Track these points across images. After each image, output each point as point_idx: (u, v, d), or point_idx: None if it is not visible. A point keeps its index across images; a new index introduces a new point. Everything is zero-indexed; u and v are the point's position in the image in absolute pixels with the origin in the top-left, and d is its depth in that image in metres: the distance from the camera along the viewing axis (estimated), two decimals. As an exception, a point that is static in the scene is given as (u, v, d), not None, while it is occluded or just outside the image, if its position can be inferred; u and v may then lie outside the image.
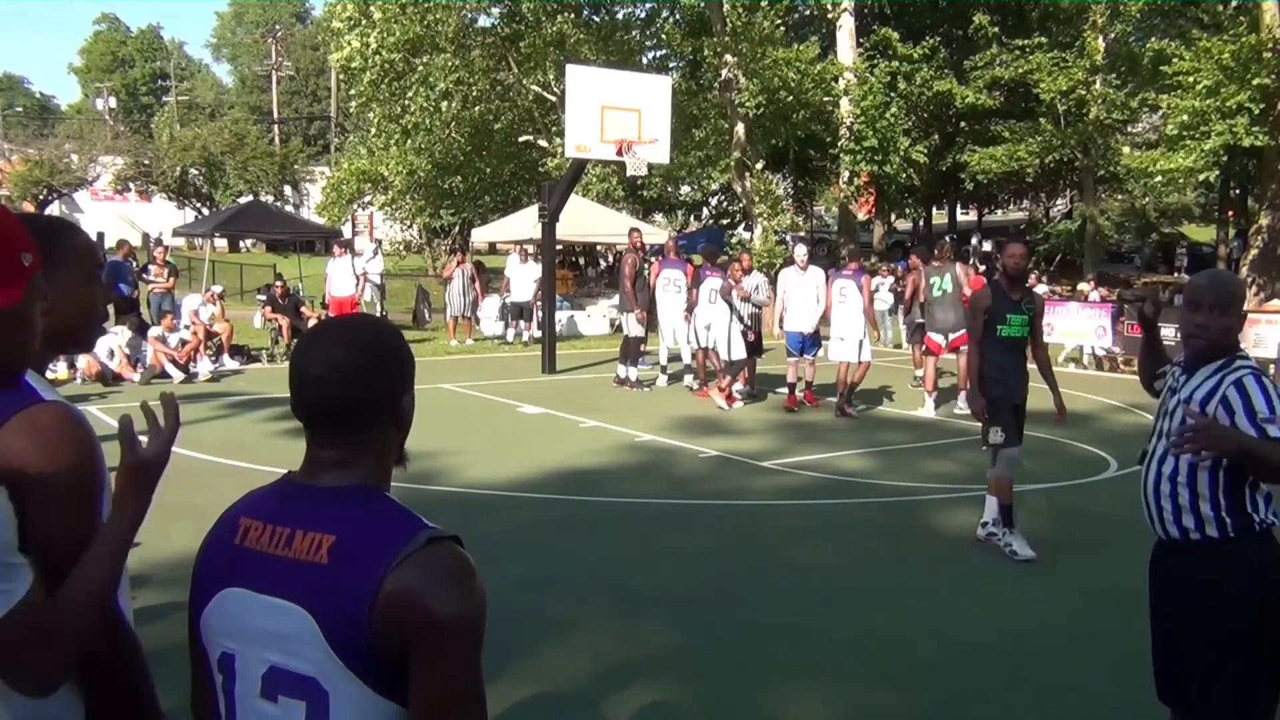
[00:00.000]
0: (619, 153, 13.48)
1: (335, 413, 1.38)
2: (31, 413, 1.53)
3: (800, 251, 11.35)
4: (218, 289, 14.96)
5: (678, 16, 25.35)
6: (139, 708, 1.64)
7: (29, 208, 39.00)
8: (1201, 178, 20.71)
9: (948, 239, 12.73)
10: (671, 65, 26.17)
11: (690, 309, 12.35)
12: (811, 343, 11.08)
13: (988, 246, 32.05)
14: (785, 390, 11.25)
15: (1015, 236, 37.04)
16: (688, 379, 12.87)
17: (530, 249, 18.22)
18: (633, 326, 12.71)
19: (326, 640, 1.30)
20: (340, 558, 1.32)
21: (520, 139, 24.34)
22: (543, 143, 23.77)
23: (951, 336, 10.80)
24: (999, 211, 51.41)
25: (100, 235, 38.05)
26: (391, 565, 1.29)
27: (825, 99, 23.45)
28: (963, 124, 29.34)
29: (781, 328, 11.30)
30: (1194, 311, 2.84)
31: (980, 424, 6.32)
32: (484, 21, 23.80)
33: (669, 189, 30.15)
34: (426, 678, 1.30)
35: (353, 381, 1.37)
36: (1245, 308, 2.93)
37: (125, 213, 46.63)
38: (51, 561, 1.51)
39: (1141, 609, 3.05)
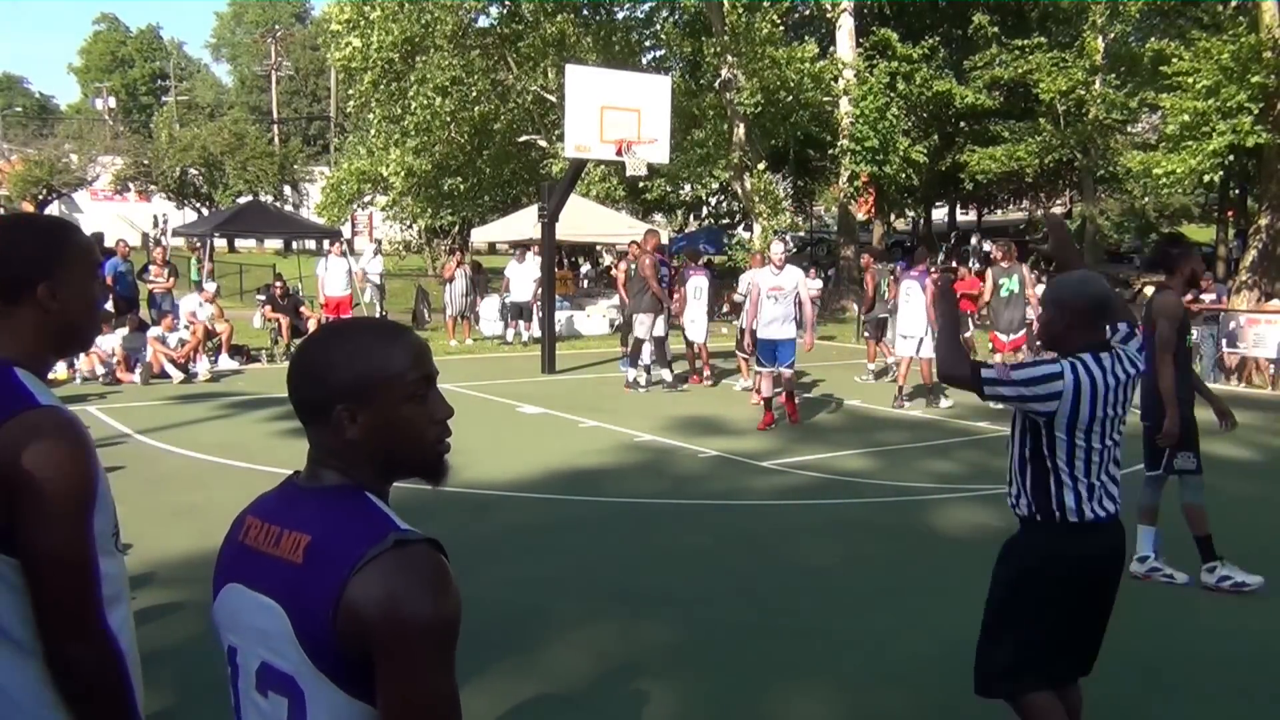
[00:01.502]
0: (618, 153, 13.49)
1: (299, 413, 1.41)
2: (27, 417, 1.53)
3: (777, 249, 10.39)
4: (211, 287, 14.94)
5: (677, 17, 25.35)
6: None
7: (28, 207, 38.99)
8: (1206, 179, 20.71)
9: (1012, 242, 12.87)
10: (670, 65, 26.17)
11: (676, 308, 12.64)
12: (786, 352, 9.95)
13: (987, 246, 32.09)
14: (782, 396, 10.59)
15: (1014, 236, 37.11)
16: (667, 376, 12.90)
17: (532, 249, 18.20)
18: (660, 327, 12.62)
19: (299, 641, 1.31)
20: (312, 558, 1.32)
21: (520, 139, 24.33)
22: (543, 143, 23.77)
23: (1013, 336, 11.09)
24: (999, 212, 51.44)
25: (99, 235, 37.97)
26: (355, 567, 1.28)
27: (825, 99, 23.45)
28: (962, 124, 29.35)
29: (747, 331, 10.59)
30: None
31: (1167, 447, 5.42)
32: (483, 22, 23.82)
33: (669, 189, 30.15)
34: (389, 683, 1.28)
35: (298, 385, 1.40)
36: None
37: (125, 213, 46.64)
38: (38, 568, 1.51)
39: (1138, 607, 3.05)
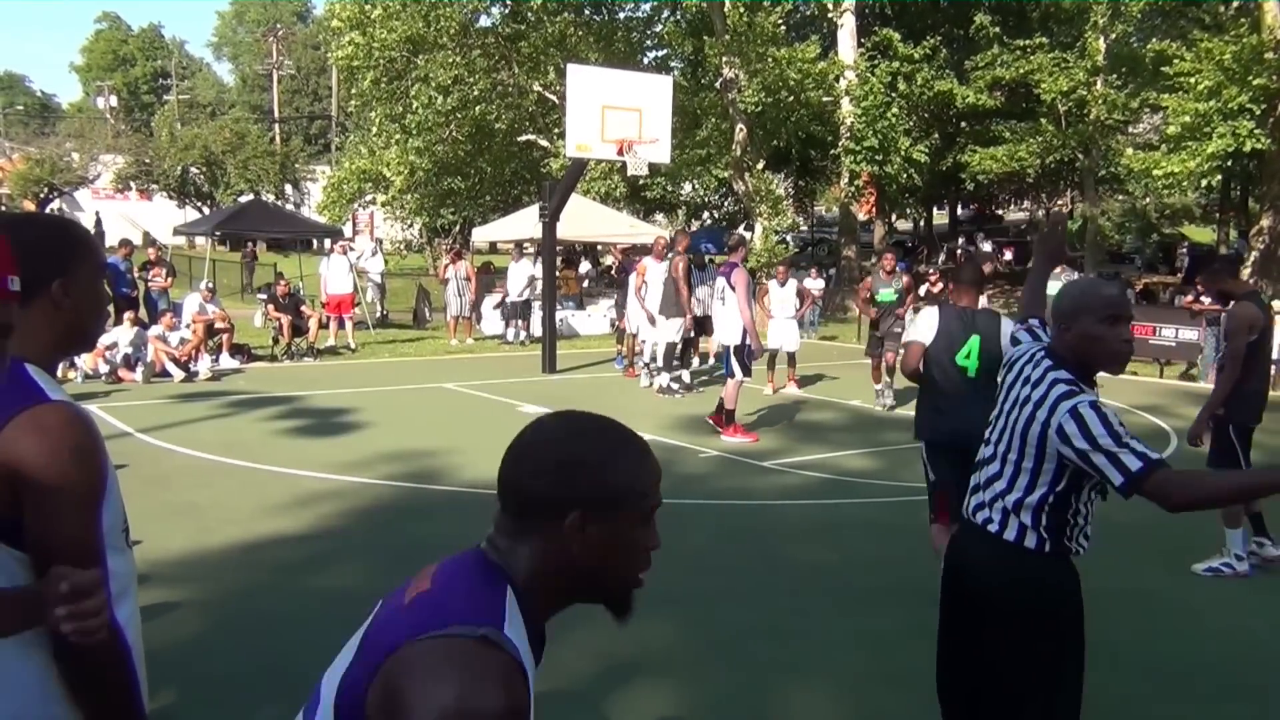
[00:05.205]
0: (620, 152, 13.48)
1: (509, 499, 1.35)
2: (37, 412, 1.53)
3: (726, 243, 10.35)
4: (204, 284, 14.93)
5: (679, 16, 25.34)
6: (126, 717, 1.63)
7: (30, 206, 39.02)
8: (1203, 182, 20.69)
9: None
10: (673, 64, 26.17)
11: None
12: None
13: (987, 247, 32.12)
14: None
15: (1015, 237, 37.05)
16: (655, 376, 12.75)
17: (529, 248, 18.21)
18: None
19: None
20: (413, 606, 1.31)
21: (521, 139, 24.34)
22: (544, 142, 23.77)
23: None
24: (1000, 212, 51.41)
25: (102, 234, 37.96)
26: (400, 645, 1.25)
27: (826, 99, 23.43)
28: (963, 124, 29.31)
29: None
30: (1123, 325, 2.61)
31: None
32: (485, 21, 23.82)
33: (669, 188, 30.16)
34: None
35: (530, 474, 1.31)
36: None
37: (126, 211, 46.67)
38: (47, 561, 1.51)
39: (1140, 608, 3.04)
